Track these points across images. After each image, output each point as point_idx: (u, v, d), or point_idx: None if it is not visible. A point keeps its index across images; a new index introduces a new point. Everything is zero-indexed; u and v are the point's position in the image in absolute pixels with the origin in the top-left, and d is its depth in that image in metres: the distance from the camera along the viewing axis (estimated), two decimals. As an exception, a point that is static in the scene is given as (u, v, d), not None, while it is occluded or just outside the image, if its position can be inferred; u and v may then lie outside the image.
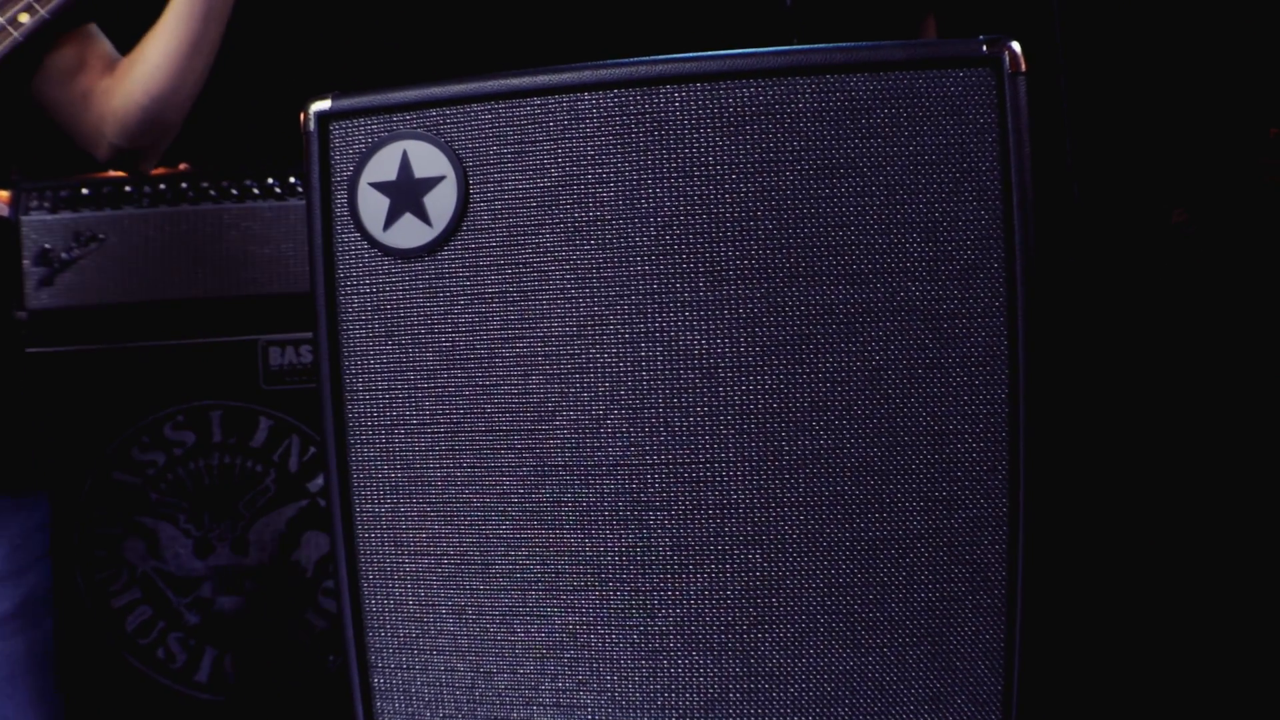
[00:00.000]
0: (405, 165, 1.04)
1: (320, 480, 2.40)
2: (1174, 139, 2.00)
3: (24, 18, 1.37)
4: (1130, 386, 1.97)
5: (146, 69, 1.50)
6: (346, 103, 1.06)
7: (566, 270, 1.02)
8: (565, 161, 1.02)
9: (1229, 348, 1.95)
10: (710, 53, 1.01)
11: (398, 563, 1.08)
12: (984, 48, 0.97)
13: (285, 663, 2.36)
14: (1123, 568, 1.95)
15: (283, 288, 2.37)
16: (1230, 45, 2.04)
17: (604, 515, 1.03)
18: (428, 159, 1.03)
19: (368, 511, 1.08)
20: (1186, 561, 1.92)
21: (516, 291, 1.03)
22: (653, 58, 1.00)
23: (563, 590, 1.04)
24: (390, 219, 1.05)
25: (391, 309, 1.06)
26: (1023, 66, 0.96)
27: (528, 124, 1.02)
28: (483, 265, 1.04)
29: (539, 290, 1.02)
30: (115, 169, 1.69)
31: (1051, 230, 1.45)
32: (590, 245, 1.02)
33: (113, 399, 2.30)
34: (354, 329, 1.08)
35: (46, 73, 1.53)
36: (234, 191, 2.35)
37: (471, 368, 1.05)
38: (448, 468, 1.06)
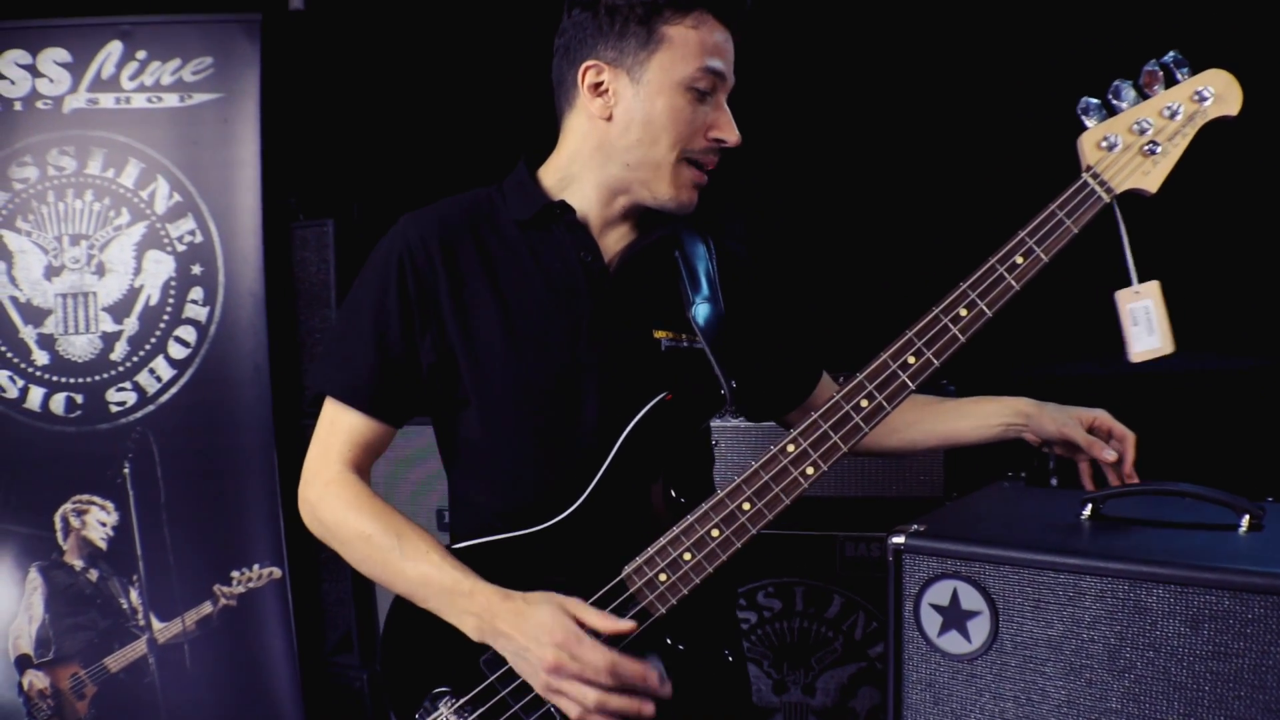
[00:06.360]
0: (954, 598, 1.50)
1: (878, 646, 2.94)
2: None
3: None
4: None
5: None
6: (914, 542, 1.53)
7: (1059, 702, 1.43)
8: (1066, 621, 1.42)
9: None
10: (1182, 564, 1.36)
11: None
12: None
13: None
14: None
15: (858, 491, 2.94)
16: None
17: None
18: (971, 597, 1.48)
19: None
20: None
21: (1025, 706, 1.45)
22: (1138, 566, 1.37)
23: None
24: (942, 631, 1.51)
25: (938, 689, 1.53)
26: None
27: (1043, 589, 1.44)
28: (1005, 680, 1.47)
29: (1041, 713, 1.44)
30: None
31: None
32: (1071, 689, 1.42)
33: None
34: (911, 694, 1.55)
35: None
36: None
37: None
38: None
